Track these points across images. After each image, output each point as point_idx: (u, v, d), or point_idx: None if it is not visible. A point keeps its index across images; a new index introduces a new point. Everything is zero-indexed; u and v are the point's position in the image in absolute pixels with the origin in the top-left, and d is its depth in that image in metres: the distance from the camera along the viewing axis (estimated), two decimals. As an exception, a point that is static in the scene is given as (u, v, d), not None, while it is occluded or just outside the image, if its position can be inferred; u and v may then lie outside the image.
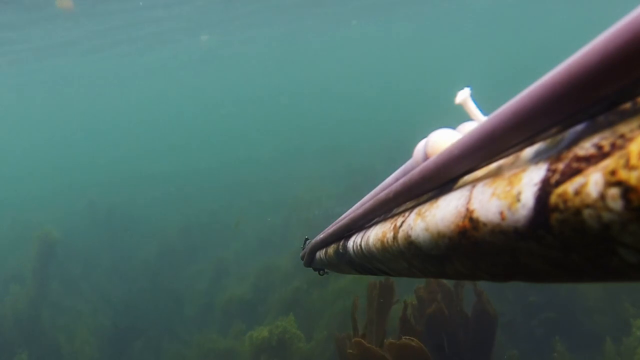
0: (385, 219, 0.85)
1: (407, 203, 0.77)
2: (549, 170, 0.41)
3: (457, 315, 4.11)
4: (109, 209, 16.49)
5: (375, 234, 0.84)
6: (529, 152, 0.49)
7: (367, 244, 0.89)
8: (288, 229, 12.57)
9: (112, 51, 19.53)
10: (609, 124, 0.39)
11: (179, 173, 25.30)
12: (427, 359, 3.35)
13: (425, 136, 0.77)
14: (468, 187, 0.55)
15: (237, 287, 10.47)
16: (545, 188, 0.40)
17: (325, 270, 1.78)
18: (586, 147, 0.38)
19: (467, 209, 0.51)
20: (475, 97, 0.77)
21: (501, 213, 0.45)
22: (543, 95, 0.40)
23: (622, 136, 0.35)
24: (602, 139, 0.37)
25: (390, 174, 0.97)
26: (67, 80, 24.23)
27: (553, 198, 0.38)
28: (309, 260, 1.63)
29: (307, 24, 21.63)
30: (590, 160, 0.37)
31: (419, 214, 0.65)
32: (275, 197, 16.01)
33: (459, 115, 0.80)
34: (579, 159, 0.38)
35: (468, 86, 0.78)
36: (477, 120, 0.76)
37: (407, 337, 3.48)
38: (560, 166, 0.39)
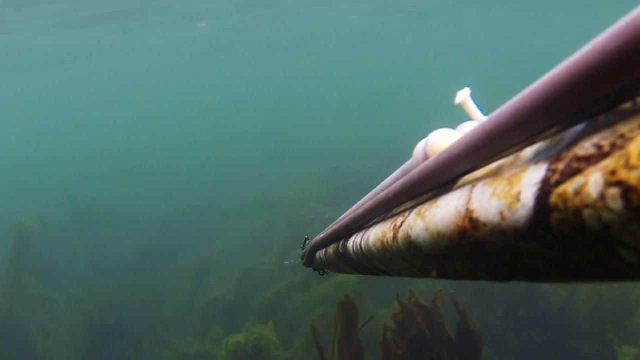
0: (385, 219, 0.85)
1: (407, 203, 0.77)
2: (549, 170, 0.41)
3: (441, 336, 4.00)
4: (90, 201, 16.13)
5: (375, 234, 0.84)
6: (529, 152, 0.49)
7: (367, 244, 0.89)
8: (273, 229, 12.34)
9: (100, 40, 19.21)
10: (609, 124, 0.39)
11: (163, 168, 24.93)
12: None
13: (425, 136, 0.77)
14: (468, 187, 0.55)
15: (218, 288, 10.27)
16: (545, 188, 0.40)
17: (325, 270, 1.78)
18: (586, 147, 0.38)
19: (467, 209, 0.51)
20: (475, 97, 0.77)
21: (501, 213, 0.45)
22: (543, 95, 0.40)
23: (622, 136, 0.35)
24: (602, 139, 0.37)
25: (386, 173, 0.98)
26: (49, 67, 23.76)
27: (553, 198, 0.38)
28: (309, 260, 1.63)
29: (305, 17, 21.40)
30: (590, 160, 0.37)
31: (419, 214, 0.65)
32: (261, 196, 15.76)
33: (459, 115, 0.80)
34: (579, 159, 0.38)
35: (468, 86, 0.78)
36: (477, 120, 0.76)
37: None
38: (560, 166, 0.39)
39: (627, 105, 0.40)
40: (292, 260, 7.61)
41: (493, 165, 0.56)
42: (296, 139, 26.58)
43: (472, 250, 0.52)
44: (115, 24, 17.32)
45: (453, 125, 0.79)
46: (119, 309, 10.40)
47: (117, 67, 26.89)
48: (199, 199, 16.83)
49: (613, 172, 0.33)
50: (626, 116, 0.39)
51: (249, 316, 8.50)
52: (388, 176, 0.97)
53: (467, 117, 0.78)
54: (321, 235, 1.39)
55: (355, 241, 0.99)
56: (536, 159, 0.45)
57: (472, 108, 0.77)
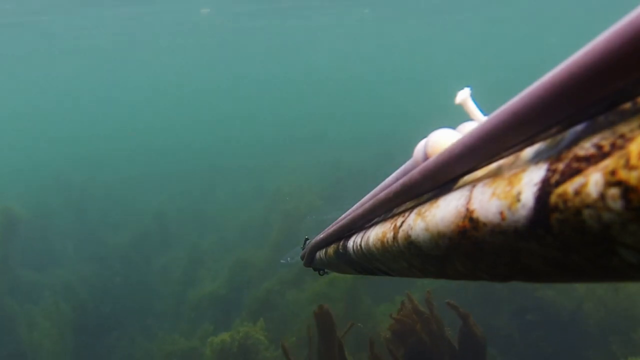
0: (385, 219, 0.85)
1: (407, 203, 0.77)
2: (549, 170, 0.41)
3: (441, 342, 3.82)
4: (83, 188, 15.81)
5: (375, 234, 0.84)
6: (529, 152, 0.50)
7: (367, 244, 0.89)
8: (268, 220, 12.04)
9: (98, 22, 18.90)
10: (609, 124, 0.39)
11: (158, 155, 24.48)
12: None
13: (425, 136, 0.77)
14: (468, 187, 0.55)
15: (210, 282, 10.03)
16: (545, 188, 0.40)
17: (325, 270, 1.78)
18: (586, 147, 0.38)
19: (467, 209, 0.51)
20: (475, 97, 0.77)
21: (501, 213, 0.45)
22: (543, 95, 0.40)
23: (622, 136, 0.35)
24: (602, 139, 0.37)
25: (386, 172, 0.98)
26: (41, 50, 23.35)
27: (553, 198, 0.38)
28: (309, 260, 1.64)
29: (309, 8, 21.14)
30: (590, 160, 0.37)
31: (419, 214, 0.65)
32: (258, 186, 15.47)
33: (459, 115, 0.80)
34: (579, 159, 0.38)
35: (468, 86, 0.78)
36: (477, 120, 0.76)
37: None
38: (560, 166, 0.39)
39: (627, 105, 0.40)
40: (288, 259, 7.46)
41: (493, 165, 0.56)
42: (295, 131, 26.21)
43: (472, 250, 0.52)
44: (114, 7, 17.12)
45: (453, 125, 0.79)
46: (109, 300, 10.12)
47: (114, 51, 26.26)
48: (194, 188, 16.49)
49: (613, 172, 0.33)
50: (626, 116, 0.39)
51: (240, 312, 8.33)
52: (388, 176, 0.97)
53: (467, 117, 0.78)
54: (321, 235, 1.39)
55: (355, 241, 1.00)
56: (536, 159, 0.45)
57: (472, 108, 0.77)
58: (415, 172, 0.66)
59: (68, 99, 46.83)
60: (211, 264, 11.05)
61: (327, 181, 13.77)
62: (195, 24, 21.92)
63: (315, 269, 1.82)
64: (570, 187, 0.37)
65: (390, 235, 0.75)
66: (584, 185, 0.35)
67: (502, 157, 0.54)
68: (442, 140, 0.74)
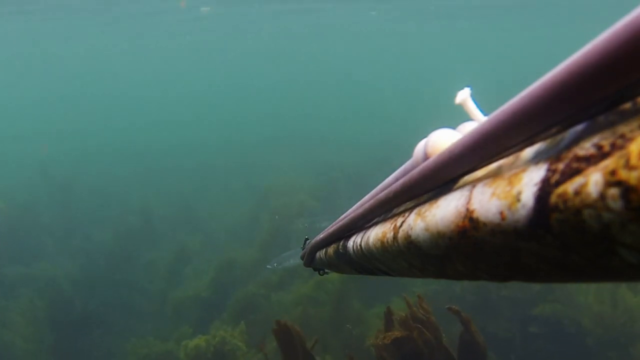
0: (385, 219, 0.85)
1: (407, 203, 0.77)
2: (549, 170, 0.41)
3: (438, 351, 3.59)
4: (67, 182, 15.42)
5: (375, 234, 0.84)
6: (529, 152, 0.50)
7: (367, 244, 0.89)
8: (257, 219, 11.77)
9: (91, 17, 18.85)
10: (609, 124, 0.39)
11: (146, 150, 23.99)
12: None
13: (425, 136, 0.77)
14: (468, 187, 0.55)
15: (194, 282, 9.79)
16: (545, 188, 0.40)
17: (325, 270, 1.78)
18: (586, 147, 0.38)
19: (467, 209, 0.51)
20: (475, 97, 0.77)
21: (501, 213, 0.45)
22: (543, 95, 0.40)
23: (622, 136, 0.35)
24: (602, 139, 0.37)
25: (385, 172, 0.98)
26: (30, 43, 23.11)
27: (553, 198, 0.38)
28: (309, 260, 1.64)
29: (310, 7, 21.02)
30: (590, 160, 0.37)
31: (419, 214, 0.65)
32: (247, 184, 15.20)
33: (459, 115, 0.80)
34: (579, 159, 0.38)
35: (468, 86, 0.78)
36: (477, 120, 0.76)
37: None
38: (560, 166, 0.39)
39: (627, 105, 0.40)
40: (275, 264, 7.29)
41: (493, 165, 0.56)
42: (289, 130, 25.90)
43: (472, 250, 0.52)
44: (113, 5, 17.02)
45: (453, 125, 0.79)
46: (91, 297, 9.85)
47: (104, 48, 25.96)
48: (181, 184, 16.18)
49: (613, 172, 0.33)
50: (626, 116, 0.39)
51: (222, 314, 8.11)
52: (388, 176, 0.97)
53: (467, 117, 0.78)
54: (321, 235, 1.39)
55: (355, 241, 1.00)
56: (536, 159, 0.45)
57: (472, 108, 0.77)
58: (415, 172, 0.66)
59: (55, 92, 45.82)
60: (197, 263, 10.81)
61: (321, 181, 13.55)
62: (196, 21, 21.83)
63: (315, 269, 1.82)
64: (570, 187, 0.37)
65: (390, 235, 0.75)
66: (584, 185, 0.35)
67: (502, 157, 0.54)
68: (442, 140, 0.74)
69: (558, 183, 0.38)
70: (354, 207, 1.10)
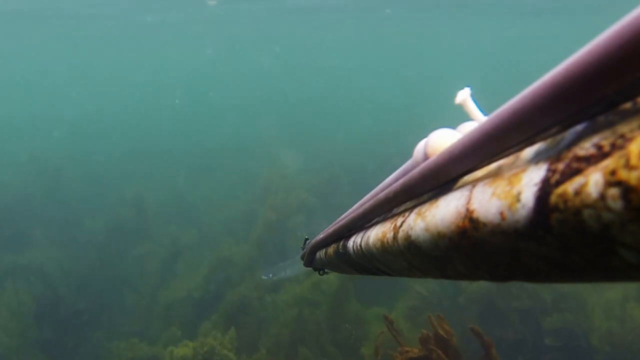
0: (385, 219, 0.85)
1: (407, 203, 0.77)
2: (549, 170, 0.41)
3: None
4: (58, 170, 14.82)
5: (375, 234, 0.84)
6: (529, 152, 0.50)
7: (367, 244, 0.89)
8: (254, 214, 11.38)
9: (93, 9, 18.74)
10: (609, 124, 0.39)
11: (140, 141, 23.35)
12: None
13: (425, 136, 0.77)
14: (468, 187, 0.55)
15: (186, 280, 9.45)
16: (545, 188, 0.40)
17: (325, 270, 1.78)
18: (586, 147, 0.38)
19: (467, 209, 0.51)
20: (475, 97, 0.77)
21: (501, 213, 0.45)
22: (543, 95, 0.40)
23: (622, 136, 0.35)
24: (602, 139, 0.37)
25: (385, 172, 0.97)
26: (25, 36, 22.87)
27: (553, 198, 0.38)
28: (309, 260, 1.64)
29: (317, 4, 20.87)
30: (590, 160, 0.37)
31: (419, 214, 0.65)
32: (244, 179, 14.74)
33: (459, 115, 0.79)
34: (579, 159, 0.38)
35: (468, 86, 0.78)
36: (477, 120, 0.76)
37: None
38: (560, 166, 0.39)
39: (627, 105, 0.40)
40: (270, 275, 7.11)
41: (493, 165, 0.56)
42: (290, 126, 25.48)
43: (472, 250, 0.52)
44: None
45: (453, 125, 0.79)
46: (80, 292, 9.51)
47: (99, 36, 25.59)
48: (177, 176, 15.72)
49: (613, 172, 0.33)
50: (626, 116, 0.39)
51: (212, 316, 7.84)
52: (388, 176, 0.97)
53: (467, 117, 0.78)
54: (321, 235, 1.39)
55: (355, 241, 1.00)
56: (536, 159, 0.45)
57: (472, 108, 0.77)
58: (415, 172, 0.66)
59: (47, 76, 44.65)
60: (190, 260, 10.46)
61: (320, 179, 13.22)
62: (203, 14, 21.69)
63: (315, 269, 1.82)
64: (570, 187, 0.37)
65: (390, 235, 0.75)
66: (584, 185, 0.35)
67: (502, 157, 0.54)
68: (442, 140, 0.74)
69: (558, 183, 0.38)
70: (354, 207, 1.10)
